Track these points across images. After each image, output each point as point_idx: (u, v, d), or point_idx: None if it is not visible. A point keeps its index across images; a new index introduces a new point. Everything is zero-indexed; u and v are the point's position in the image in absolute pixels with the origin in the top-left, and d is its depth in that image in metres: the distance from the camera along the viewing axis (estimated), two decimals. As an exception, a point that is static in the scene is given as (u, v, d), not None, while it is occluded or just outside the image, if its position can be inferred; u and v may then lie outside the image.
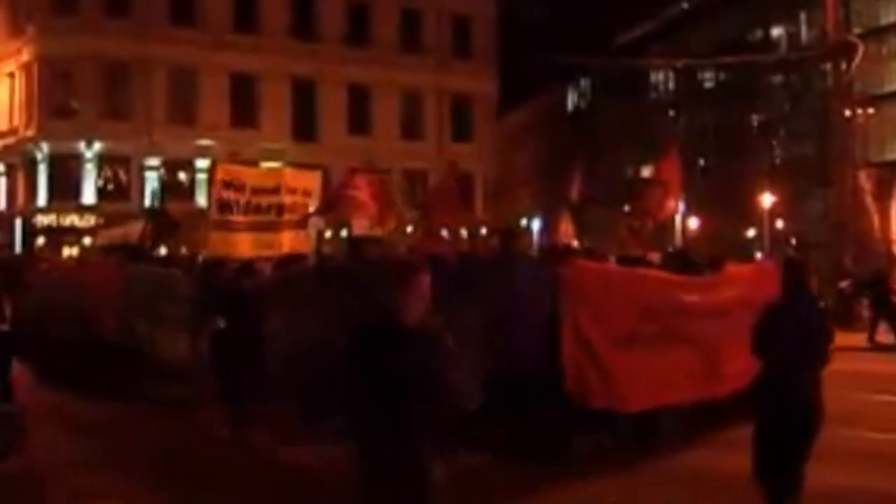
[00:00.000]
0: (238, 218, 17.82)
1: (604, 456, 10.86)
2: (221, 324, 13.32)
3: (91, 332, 17.10)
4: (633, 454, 10.93)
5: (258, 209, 18.14)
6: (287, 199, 18.59)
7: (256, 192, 18.13)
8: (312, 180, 19.80)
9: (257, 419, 12.62)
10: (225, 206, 17.67)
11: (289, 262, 16.42)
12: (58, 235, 49.07)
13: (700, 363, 11.92)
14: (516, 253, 13.74)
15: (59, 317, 18.25)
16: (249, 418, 12.54)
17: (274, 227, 18.39)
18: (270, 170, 21.19)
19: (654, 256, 15.43)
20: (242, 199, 17.86)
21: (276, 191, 18.53)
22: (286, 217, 18.56)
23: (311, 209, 19.09)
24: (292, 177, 19.76)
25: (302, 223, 18.88)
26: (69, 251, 46.59)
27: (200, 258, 19.90)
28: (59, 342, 17.72)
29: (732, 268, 14.34)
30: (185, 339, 15.23)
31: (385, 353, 5.10)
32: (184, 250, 40.25)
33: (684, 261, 14.80)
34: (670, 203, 17.35)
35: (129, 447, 12.43)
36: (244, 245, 17.81)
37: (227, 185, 17.91)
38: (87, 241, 48.22)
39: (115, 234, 46.48)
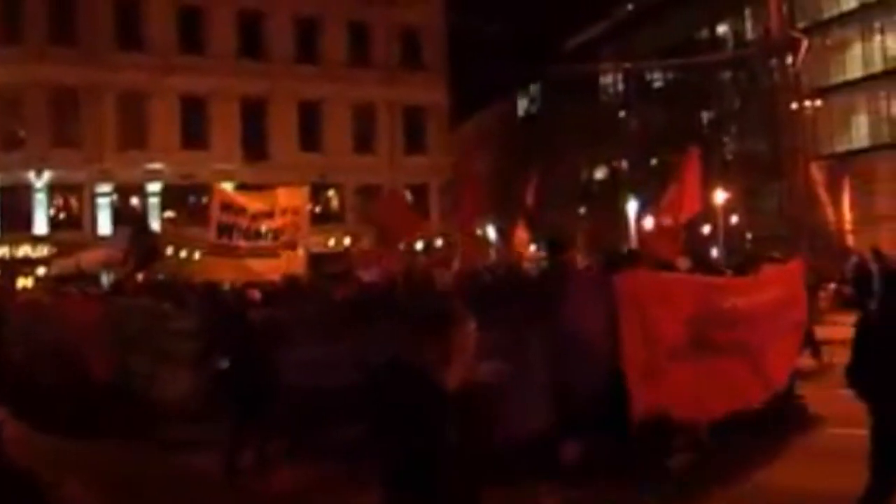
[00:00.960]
0: (240, 243, 17.96)
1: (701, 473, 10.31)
2: (227, 359, 12.51)
3: (79, 372, 15.84)
4: (719, 469, 10.42)
5: (258, 234, 18.32)
6: (279, 221, 18.72)
7: (256, 217, 18.28)
8: (300, 197, 20.03)
9: (270, 460, 11.91)
10: (224, 231, 17.82)
11: (294, 288, 16.06)
12: (11, 267, 48.47)
13: (751, 368, 11.66)
14: (569, 265, 12.74)
15: (42, 356, 16.93)
16: (262, 459, 11.83)
17: (272, 252, 18.56)
18: (267, 193, 20.06)
19: (682, 261, 14.88)
20: (244, 224, 17.98)
21: (271, 214, 18.65)
22: (282, 239, 18.81)
23: (301, 227, 19.46)
24: (284, 197, 19.67)
25: (292, 244, 19.12)
26: (24, 282, 46.07)
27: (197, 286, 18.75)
28: (45, 385, 16.35)
29: (769, 269, 14.01)
30: (188, 375, 14.25)
31: (416, 422, 4.25)
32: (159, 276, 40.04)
33: (708, 265, 14.42)
34: (693, 205, 16.81)
35: (135, 492, 11.63)
36: (246, 271, 17.69)
37: (226, 208, 18.04)
38: (40, 271, 47.83)
39: (69, 263, 46.37)
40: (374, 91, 59.14)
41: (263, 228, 18.40)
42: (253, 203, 18.84)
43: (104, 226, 51.44)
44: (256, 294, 14.87)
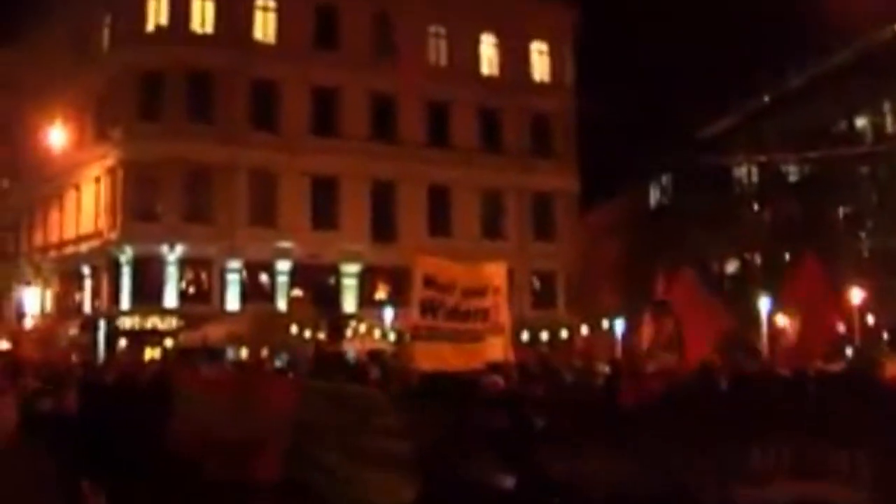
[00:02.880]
0: (441, 324, 15.55)
1: None
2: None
3: (243, 467, 14.32)
4: None
5: (466, 315, 15.83)
6: (488, 302, 16.32)
7: (467, 294, 15.88)
8: (501, 273, 17.34)
9: None
10: (427, 309, 15.43)
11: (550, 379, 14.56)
12: (140, 338, 49.32)
13: None
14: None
15: (214, 446, 15.44)
16: None
17: (477, 336, 15.95)
18: (477, 266, 17.29)
19: (836, 365, 14.15)
20: (450, 302, 15.62)
21: (483, 292, 16.28)
22: (492, 321, 16.24)
23: (503, 309, 16.71)
24: (495, 274, 17.09)
25: (500, 327, 16.55)
26: (151, 353, 46.80)
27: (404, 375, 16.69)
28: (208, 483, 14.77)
29: None
30: (398, 481, 12.46)
31: None
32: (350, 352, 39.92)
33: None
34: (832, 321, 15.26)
35: None
36: (448, 358, 15.27)
37: (430, 282, 15.58)
38: (168, 342, 48.56)
39: (195, 336, 47.08)
40: (504, 176, 59.23)
41: (473, 307, 15.91)
42: (464, 277, 16.23)
43: (233, 301, 52.16)
44: (499, 382, 13.25)
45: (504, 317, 16.68)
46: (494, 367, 15.67)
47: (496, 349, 16.09)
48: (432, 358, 15.03)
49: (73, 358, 41.84)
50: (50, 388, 15.42)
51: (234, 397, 16.44)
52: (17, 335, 54.13)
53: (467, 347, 15.63)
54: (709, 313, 15.10)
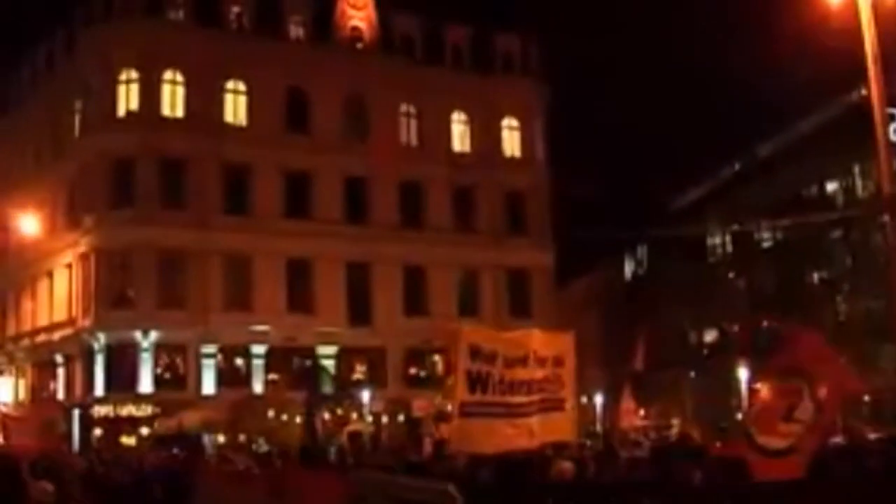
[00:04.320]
0: (492, 398, 14.27)
1: None
2: None
3: None
4: None
5: (512, 387, 14.56)
6: (538, 373, 14.95)
7: (509, 364, 14.57)
8: (564, 344, 15.86)
9: None
10: (475, 384, 14.13)
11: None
12: (115, 425, 48.65)
13: None
14: None
15: None
16: None
17: (526, 411, 14.71)
18: (520, 335, 15.81)
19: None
20: (496, 374, 14.33)
21: (524, 360, 14.87)
22: (537, 396, 14.87)
23: (567, 383, 15.35)
24: (542, 343, 15.55)
25: (560, 404, 15.25)
26: (127, 441, 46.21)
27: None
28: None
29: None
30: None
31: None
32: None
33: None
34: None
35: None
36: (498, 436, 14.19)
37: (475, 354, 14.27)
38: (144, 430, 47.91)
39: (171, 423, 46.47)
40: (479, 255, 59.29)
41: (518, 378, 14.62)
42: (505, 346, 14.90)
43: (209, 385, 51.62)
44: (567, 468, 12.61)
45: (567, 390, 15.38)
46: (558, 448, 14.99)
47: (557, 426, 14.97)
48: (483, 437, 14.00)
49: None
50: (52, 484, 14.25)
51: (271, 491, 14.86)
52: (5, 423, 53.30)
53: (519, 423, 14.43)
54: (841, 374, 13.83)
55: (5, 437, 46.64)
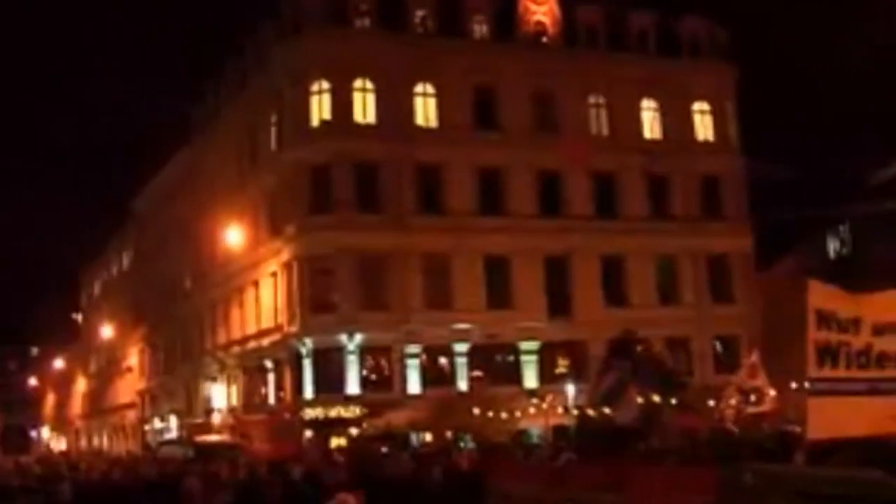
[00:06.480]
0: (846, 373, 12.17)
1: None
2: None
3: None
4: None
5: (882, 358, 12.36)
6: None
7: (879, 330, 12.48)
8: None
9: None
10: (825, 355, 12.17)
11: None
12: (325, 427, 49.71)
13: None
14: None
15: None
16: None
17: None
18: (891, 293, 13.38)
19: None
20: (856, 343, 12.28)
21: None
22: None
23: None
24: None
25: None
26: (337, 441, 47.15)
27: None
28: None
29: None
30: None
31: None
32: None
33: None
34: None
35: None
36: (857, 418, 11.96)
37: (824, 319, 12.34)
38: (353, 431, 48.86)
39: (379, 423, 47.34)
40: (676, 242, 58.44)
41: (891, 350, 12.34)
42: (869, 309, 12.75)
43: (413, 385, 52.27)
44: None
45: None
46: None
47: None
48: (833, 418, 11.89)
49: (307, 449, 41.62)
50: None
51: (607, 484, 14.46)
52: (244, 426, 55.06)
53: (886, 403, 12.18)
54: None
55: (249, 443, 48.33)
